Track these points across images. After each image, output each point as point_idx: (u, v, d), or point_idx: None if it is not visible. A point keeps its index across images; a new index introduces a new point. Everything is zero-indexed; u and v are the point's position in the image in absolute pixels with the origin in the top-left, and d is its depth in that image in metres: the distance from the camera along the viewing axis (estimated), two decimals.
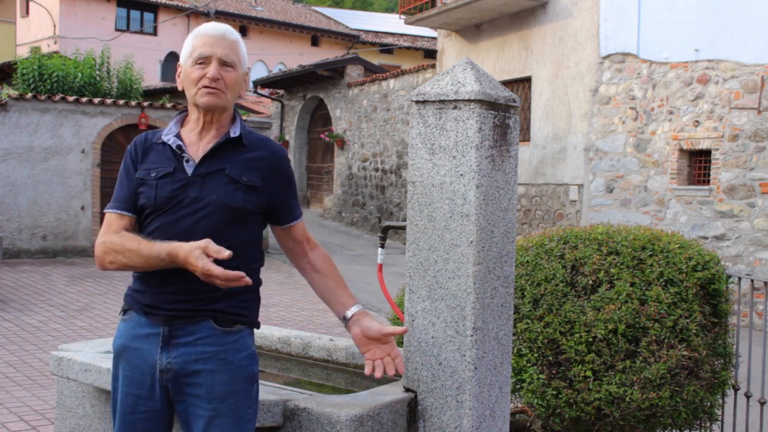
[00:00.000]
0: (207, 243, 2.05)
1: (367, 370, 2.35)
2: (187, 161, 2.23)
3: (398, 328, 2.43)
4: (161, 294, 2.18)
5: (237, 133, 2.28)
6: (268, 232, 13.76)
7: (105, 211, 2.33)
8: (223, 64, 2.23)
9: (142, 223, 2.26)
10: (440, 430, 2.63)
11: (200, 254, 2.03)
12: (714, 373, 3.67)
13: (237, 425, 2.20)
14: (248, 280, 2.07)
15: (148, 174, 2.23)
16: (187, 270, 2.10)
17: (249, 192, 2.23)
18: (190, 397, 2.19)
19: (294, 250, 2.45)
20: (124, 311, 2.29)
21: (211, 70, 2.21)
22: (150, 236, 2.19)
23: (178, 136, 2.27)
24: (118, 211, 2.25)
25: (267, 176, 2.28)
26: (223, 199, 2.19)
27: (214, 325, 2.19)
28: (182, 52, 2.29)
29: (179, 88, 2.32)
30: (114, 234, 2.22)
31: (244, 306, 2.25)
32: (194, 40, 2.26)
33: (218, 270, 2.02)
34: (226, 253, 2.02)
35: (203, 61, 2.22)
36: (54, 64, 13.37)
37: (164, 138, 2.27)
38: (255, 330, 2.35)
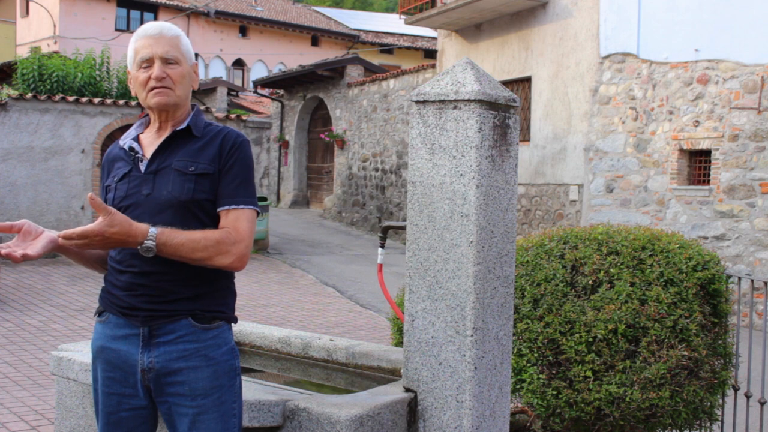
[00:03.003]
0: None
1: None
2: (141, 160, 2.26)
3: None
4: (136, 296, 2.19)
5: (184, 125, 2.28)
6: (267, 232, 13.75)
7: None
8: (166, 62, 2.24)
9: None
10: (440, 430, 2.63)
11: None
12: (714, 373, 3.67)
13: (223, 420, 2.20)
14: (15, 256, 2.03)
15: (113, 179, 2.29)
16: (157, 268, 2.16)
17: (199, 181, 2.21)
18: (173, 396, 2.19)
19: None
20: (100, 313, 2.30)
21: (155, 70, 2.22)
22: None
23: (136, 138, 2.32)
24: None
25: (215, 160, 2.24)
26: (172, 193, 2.20)
27: (194, 322, 2.20)
28: (128, 58, 2.31)
29: (132, 94, 2.34)
30: None
31: (221, 302, 2.26)
32: (135, 44, 2.28)
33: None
34: (8, 224, 2.08)
35: (147, 63, 2.24)
36: (54, 64, 13.36)
37: (121, 143, 2.32)
38: (249, 330, 2.35)
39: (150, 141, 2.30)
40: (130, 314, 2.20)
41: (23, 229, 2.10)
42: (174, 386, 2.19)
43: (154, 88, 2.23)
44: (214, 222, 2.23)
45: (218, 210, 2.23)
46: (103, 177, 2.37)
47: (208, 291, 2.23)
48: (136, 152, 2.27)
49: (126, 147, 2.29)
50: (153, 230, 2.07)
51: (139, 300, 2.19)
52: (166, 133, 2.28)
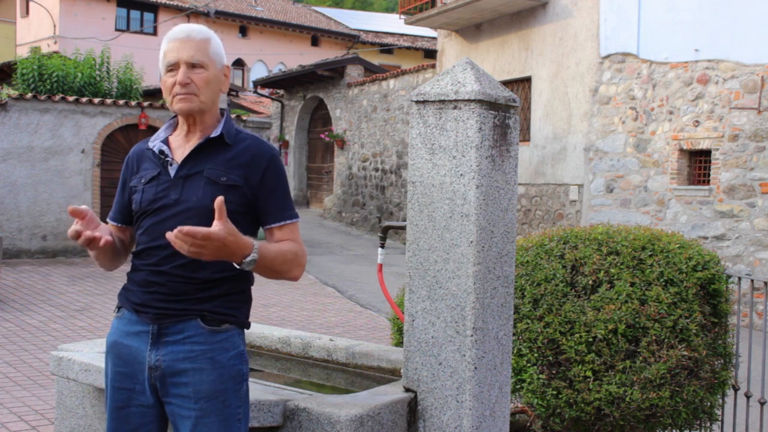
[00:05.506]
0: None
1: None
2: (171, 164, 2.26)
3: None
4: (149, 293, 2.21)
5: (218, 133, 2.27)
6: None
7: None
8: (192, 66, 2.22)
9: (135, 226, 2.34)
10: (440, 430, 2.63)
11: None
12: (714, 373, 3.67)
13: (226, 424, 2.20)
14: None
15: (140, 180, 2.29)
16: (172, 270, 2.19)
17: (229, 192, 2.20)
18: (177, 398, 2.20)
19: None
20: (118, 308, 2.34)
21: (179, 75, 2.21)
22: (140, 237, 2.28)
23: (165, 141, 2.31)
24: (109, 220, 2.42)
25: (250, 175, 2.25)
26: (201, 200, 2.19)
27: (202, 324, 2.20)
28: (159, 61, 2.31)
29: (165, 97, 2.34)
30: None
31: (232, 306, 2.25)
32: (163, 47, 2.27)
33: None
34: (79, 208, 2.11)
35: (172, 67, 2.23)
36: (54, 64, 13.35)
37: (150, 144, 2.32)
38: (249, 330, 2.36)
39: (179, 144, 2.30)
40: (141, 311, 2.23)
41: (88, 216, 2.14)
42: (179, 387, 2.19)
43: (177, 94, 2.21)
44: None
45: (270, 226, 2.28)
46: (126, 174, 2.36)
47: (221, 294, 2.23)
48: (166, 155, 2.26)
49: (156, 150, 2.28)
50: (255, 243, 2.09)
51: (151, 297, 2.21)
52: (196, 138, 2.28)
